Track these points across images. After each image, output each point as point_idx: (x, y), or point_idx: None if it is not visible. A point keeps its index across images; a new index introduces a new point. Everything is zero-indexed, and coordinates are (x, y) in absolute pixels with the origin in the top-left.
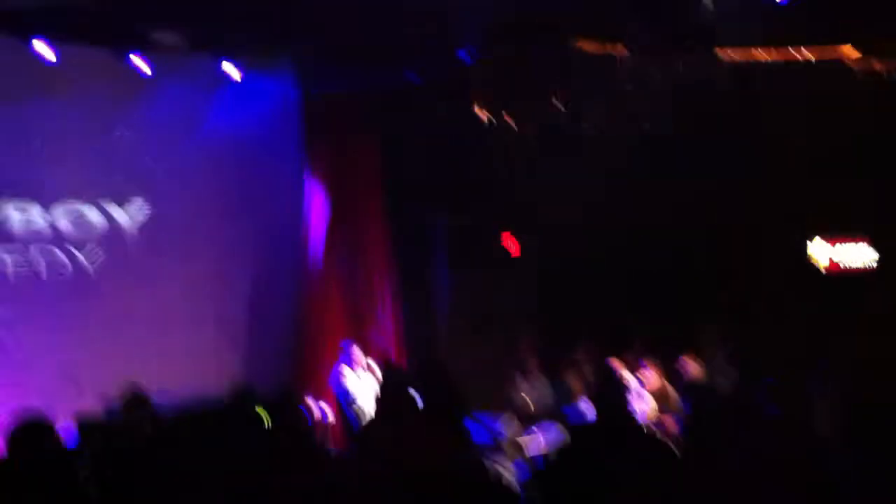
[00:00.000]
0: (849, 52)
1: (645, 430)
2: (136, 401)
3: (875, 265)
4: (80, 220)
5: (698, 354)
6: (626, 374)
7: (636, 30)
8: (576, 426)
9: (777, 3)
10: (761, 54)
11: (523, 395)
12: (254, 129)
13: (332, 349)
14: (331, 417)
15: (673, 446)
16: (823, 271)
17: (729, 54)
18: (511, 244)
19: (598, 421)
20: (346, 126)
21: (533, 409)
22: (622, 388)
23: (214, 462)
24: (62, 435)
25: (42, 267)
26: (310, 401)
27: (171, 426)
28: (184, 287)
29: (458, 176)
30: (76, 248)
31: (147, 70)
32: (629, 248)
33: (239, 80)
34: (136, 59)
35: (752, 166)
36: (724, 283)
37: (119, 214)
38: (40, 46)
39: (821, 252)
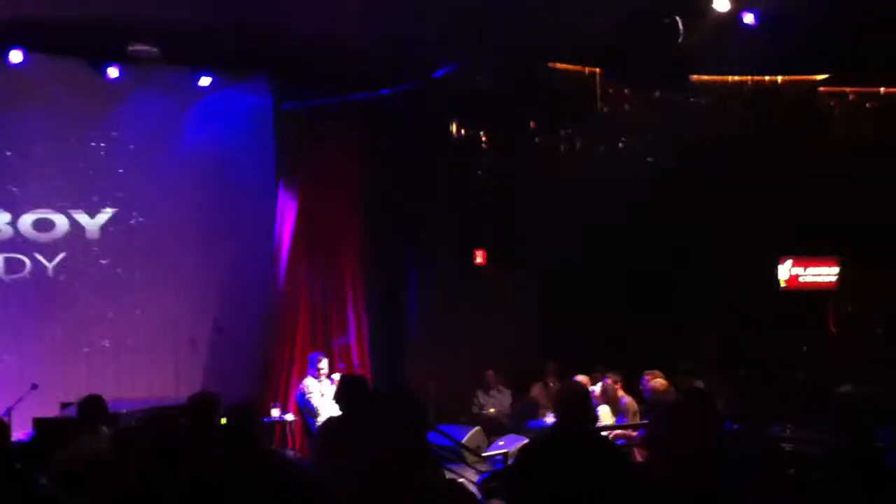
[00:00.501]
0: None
1: (602, 437)
2: (95, 406)
3: (834, 281)
4: (48, 229)
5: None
6: (591, 388)
7: (614, 57)
8: (536, 430)
9: (749, 25)
10: (735, 81)
11: (490, 408)
12: (228, 140)
13: (300, 361)
14: (294, 428)
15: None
16: (783, 286)
17: (705, 81)
18: (481, 259)
19: (557, 426)
20: (320, 138)
21: (500, 420)
22: (586, 400)
23: (170, 468)
24: (21, 437)
25: (6, 273)
26: (274, 412)
27: (128, 432)
28: (150, 297)
29: (432, 191)
30: (43, 255)
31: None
32: (603, 266)
33: (214, 91)
34: (112, 71)
35: (728, 190)
36: (699, 306)
37: (88, 224)
38: (16, 56)
39: (785, 270)
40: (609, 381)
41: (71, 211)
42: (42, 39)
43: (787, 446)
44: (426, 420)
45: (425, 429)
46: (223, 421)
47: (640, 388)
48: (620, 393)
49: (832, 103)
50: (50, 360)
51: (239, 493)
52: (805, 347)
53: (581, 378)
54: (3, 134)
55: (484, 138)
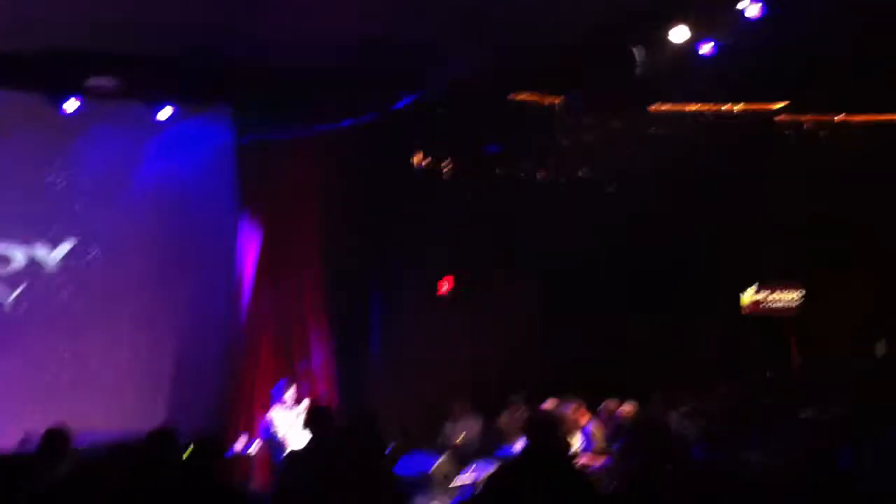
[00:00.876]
0: (777, 107)
1: (571, 464)
2: (57, 439)
3: (795, 308)
4: (6, 263)
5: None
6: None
7: (573, 85)
8: (504, 458)
9: (706, 55)
10: (694, 111)
11: (459, 435)
12: (189, 173)
13: (264, 393)
14: (257, 459)
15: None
16: (744, 311)
17: (663, 111)
18: (447, 287)
19: (525, 454)
20: (282, 171)
21: (468, 448)
22: (555, 428)
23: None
24: None
25: None
26: (239, 444)
27: (89, 465)
28: (109, 332)
29: (395, 221)
30: (0, 289)
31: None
32: (567, 295)
33: (174, 124)
34: (70, 104)
35: (686, 217)
36: (665, 333)
37: (47, 258)
38: None
39: (748, 296)
40: (569, 410)
41: (29, 245)
42: None
43: (754, 470)
44: (385, 452)
45: (386, 461)
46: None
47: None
48: (584, 420)
49: (788, 132)
50: (7, 394)
51: None
52: (769, 373)
53: (551, 404)
54: None
55: (445, 168)
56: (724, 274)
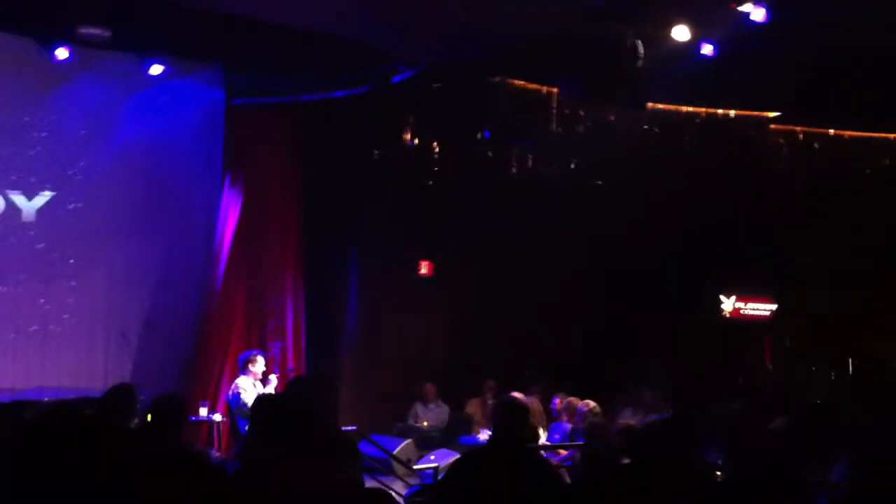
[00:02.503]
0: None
1: (537, 455)
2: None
3: (770, 314)
4: None
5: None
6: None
7: (569, 76)
8: (468, 446)
9: (706, 56)
10: (689, 111)
11: (422, 421)
12: (175, 132)
13: (232, 361)
14: (221, 429)
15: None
16: (728, 315)
17: (659, 109)
18: (426, 270)
19: (490, 443)
20: (269, 137)
21: (434, 432)
22: (522, 417)
23: (82, 461)
24: None
25: None
26: (202, 410)
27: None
28: (83, 286)
29: (380, 196)
30: None
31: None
32: (550, 286)
33: (164, 81)
34: (61, 52)
35: (673, 219)
36: (645, 330)
37: (25, 206)
38: None
39: (728, 303)
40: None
41: (8, 191)
42: None
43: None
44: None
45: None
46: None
47: (553, 407)
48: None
49: (782, 141)
50: None
51: (148, 490)
52: (740, 379)
53: (518, 395)
54: None
55: (436, 147)
56: (704, 276)
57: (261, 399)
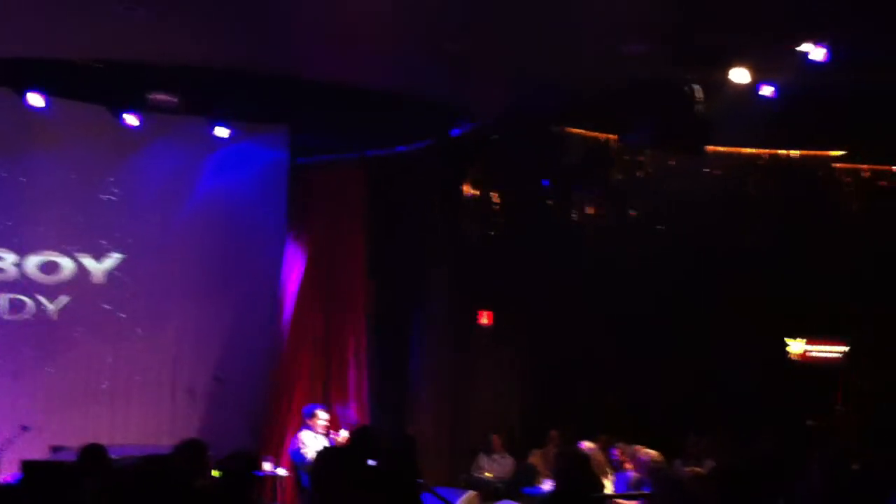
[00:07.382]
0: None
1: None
2: (90, 452)
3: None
4: (54, 271)
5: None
6: (595, 456)
7: (630, 124)
8: (532, 497)
9: (767, 97)
10: (751, 154)
11: (486, 472)
12: (241, 192)
13: (297, 416)
14: (285, 484)
15: None
16: (797, 359)
17: (720, 152)
18: (486, 320)
19: (554, 493)
20: (333, 193)
21: (496, 487)
22: (585, 467)
23: None
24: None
25: (8, 313)
26: (266, 465)
27: (120, 477)
28: (150, 344)
29: (441, 250)
30: (46, 297)
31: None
32: (611, 335)
33: (231, 143)
34: (131, 119)
35: (739, 263)
36: (709, 378)
37: (94, 268)
38: (34, 98)
39: (797, 347)
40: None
41: (77, 254)
42: (62, 83)
43: None
44: (418, 478)
45: (417, 487)
46: (215, 473)
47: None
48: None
49: (847, 180)
50: (45, 402)
51: None
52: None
53: (587, 445)
54: (16, 174)
55: (496, 199)
56: (771, 320)
57: (323, 452)
